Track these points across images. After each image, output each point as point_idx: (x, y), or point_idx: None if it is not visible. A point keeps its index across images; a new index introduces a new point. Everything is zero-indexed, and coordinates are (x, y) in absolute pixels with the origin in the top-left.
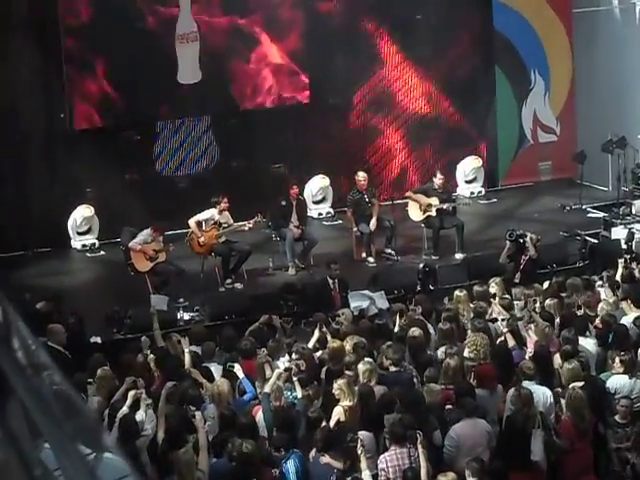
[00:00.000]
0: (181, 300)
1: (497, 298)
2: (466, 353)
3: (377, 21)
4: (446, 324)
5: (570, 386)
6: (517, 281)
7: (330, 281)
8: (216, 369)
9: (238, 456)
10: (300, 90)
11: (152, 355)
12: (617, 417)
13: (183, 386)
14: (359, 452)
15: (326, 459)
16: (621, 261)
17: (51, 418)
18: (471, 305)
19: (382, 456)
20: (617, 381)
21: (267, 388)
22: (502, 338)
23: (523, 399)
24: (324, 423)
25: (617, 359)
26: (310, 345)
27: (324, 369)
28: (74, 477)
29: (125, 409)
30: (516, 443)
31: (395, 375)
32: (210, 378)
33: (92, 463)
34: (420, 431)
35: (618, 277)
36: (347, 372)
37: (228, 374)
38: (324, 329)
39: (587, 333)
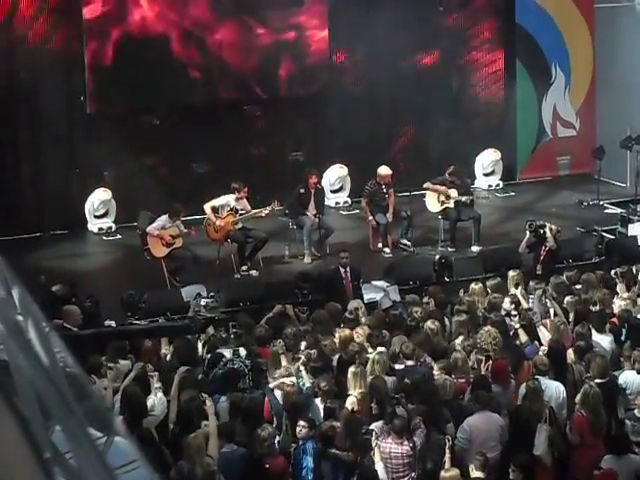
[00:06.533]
0: None
1: (519, 289)
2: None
3: (398, 13)
4: (462, 316)
5: (586, 383)
6: (539, 272)
7: (342, 270)
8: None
9: (255, 441)
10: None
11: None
12: (636, 412)
13: (196, 371)
14: (373, 444)
15: (339, 451)
16: None
17: (63, 401)
18: (486, 298)
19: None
20: (627, 377)
21: (272, 384)
22: (514, 333)
23: (529, 393)
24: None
25: (632, 356)
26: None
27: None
28: (84, 461)
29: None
30: (521, 436)
31: (411, 369)
32: None
33: (102, 447)
34: (434, 424)
35: None
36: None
37: None
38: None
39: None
